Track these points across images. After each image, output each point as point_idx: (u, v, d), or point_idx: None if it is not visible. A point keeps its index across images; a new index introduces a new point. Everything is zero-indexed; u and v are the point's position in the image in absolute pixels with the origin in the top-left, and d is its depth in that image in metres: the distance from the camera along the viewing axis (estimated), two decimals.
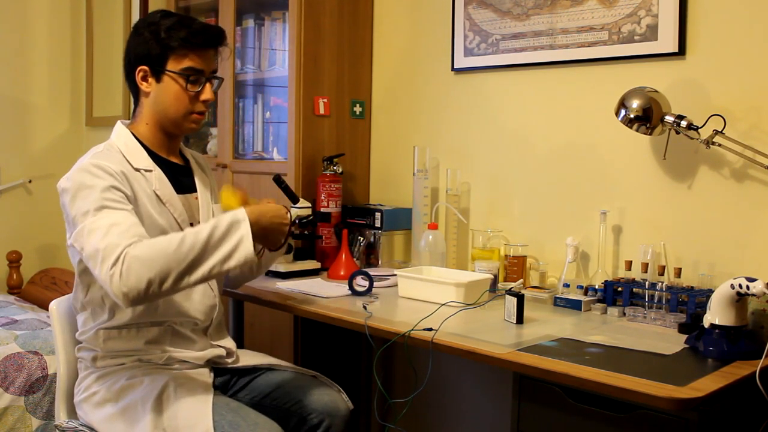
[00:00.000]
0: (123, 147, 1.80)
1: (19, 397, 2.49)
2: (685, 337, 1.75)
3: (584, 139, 2.28)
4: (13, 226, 3.61)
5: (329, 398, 1.89)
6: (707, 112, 1.96)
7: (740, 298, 1.62)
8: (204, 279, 1.62)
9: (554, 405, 1.58)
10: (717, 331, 1.63)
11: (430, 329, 1.76)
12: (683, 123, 1.96)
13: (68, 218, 1.69)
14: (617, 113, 2.02)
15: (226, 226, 1.62)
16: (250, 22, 2.94)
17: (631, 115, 1.99)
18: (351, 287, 2.22)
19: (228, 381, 1.92)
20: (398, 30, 2.78)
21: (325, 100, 2.69)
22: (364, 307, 2.03)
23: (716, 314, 1.64)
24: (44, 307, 3.12)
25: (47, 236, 3.72)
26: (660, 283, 1.98)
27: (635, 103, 1.98)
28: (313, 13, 2.65)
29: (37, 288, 3.41)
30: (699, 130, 1.96)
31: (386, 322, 1.88)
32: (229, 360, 1.92)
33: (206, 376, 1.82)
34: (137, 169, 1.77)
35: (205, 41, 1.80)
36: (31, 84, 3.65)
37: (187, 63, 1.78)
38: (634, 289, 2.01)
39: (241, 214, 1.65)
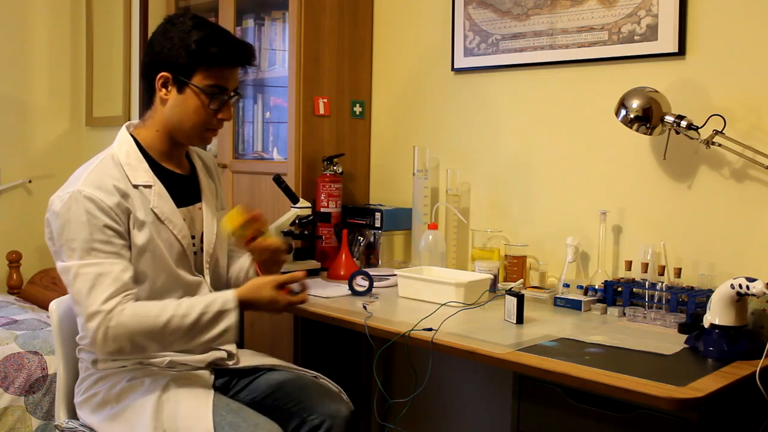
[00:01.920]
0: (124, 158, 1.74)
1: (19, 397, 2.49)
2: (685, 337, 1.75)
3: (584, 139, 2.28)
4: (13, 226, 3.61)
5: (330, 399, 1.88)
6: (707, 112, 1.96)
7: (740, 298, 1.62)
8: (179, 350, 1.75)
9: (554, 405, 1.58)
10: (717, 331, 1.63)
11: (430, 329, 1.76)
12: (683, 123, 1.96)
13: (53, 241, 1.69)
14: (617, 113, 2.02)
15: (214, 314, 1.67)
16: (250, 22, 2.94)
17: (631, 115, 1.99)
18: (351, 287, 2.22)
19: (229, 381, 1.92)
20: (398, 30, 2.78)
21: (325, 100, 2.69)
22: (364, 307, 2.03)
23: (716, 314, 1.64)
24: (44, 307, 3.12)
25: None
26: (660, 283, 1.98)
27: (635, 103, 1.98)
28: (313, 13, 2.65)
29: (37, 288, 3.41)
30: (699, 130, 1.96)
31: (386, 322, 1.88)
32: (230, 363, 1.91)
33: (207, 377, 1.82)
34: (136, 186, 1.72)
35: (236, 60, 1.76)
36: (31, 84, 3.65)
37: (213, 80, 1.73)
38: (634, 289, 2.01)
39: (232, 302, 1.69)
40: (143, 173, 1.75)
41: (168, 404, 1.67)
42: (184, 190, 1.84)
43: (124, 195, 1.69)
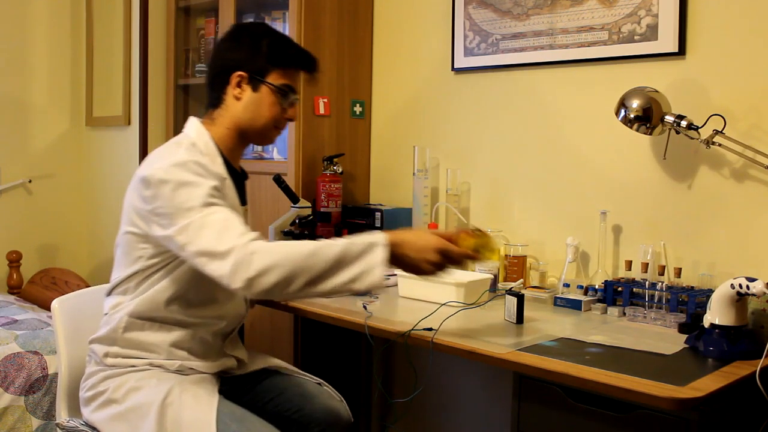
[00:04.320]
0: (203, 148, 1.78)
1: (19, 397, 2.49)
2: (685, 337, 1.75)
3: (584, 139, 2.28)
4: (13, 226, 3.61)
5: (332, 408, 1.88)
6: (707, 112, 1.96)
7: (740, 298, 1.62)
8: (327, 294, 1.59)
9: (554, 405, 1.58)
10: (717, 331, 1.63)
11: (430, 329, 1.76)
12: (683, 123, 1.96)
13: (156, 210, 1.63)
14: (617, 113, 2.02)
15: (363, 246, 1.56)
16: None
17: (631, 115, 1.99)
18: None
19: (232, 385, 1.90)
20: (398, 30, 2.78)
21: (325, 100, 2.69)
22: (364, 307, 2.03)
23: (716, 314, 1.64)
24: (44, 307, 3.12)
25: (47, 236, 3.72)
26: (660, 283, 1.98)
27: (635, 103, 1.98)
28: (313, 13, 2.65)
29: (37, 288, 3.41)
30: (699, 130, 1.96)
31: (386, 322, 1.88)
32: (239, 371, 1.90)
33: (212, 380, 1.80)
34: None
35: (306, 64, 1.86)
36: (31, 84, 3.65)
37: (286, 80, 1.82)
38: (634, 289, 2.01)
39: (382, 238, 1.58)
40: (219, 165, 1.78)
41: (172, 408, 1.66)
42: (241, 190, 1.89)
43: (216, 177, 1.71)
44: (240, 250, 1.52)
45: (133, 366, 1.76)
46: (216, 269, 1.54)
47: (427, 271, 1.63)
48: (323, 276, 1.55)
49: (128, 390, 1.72)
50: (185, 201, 1.60)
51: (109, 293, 1.81)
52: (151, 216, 1.65)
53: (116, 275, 1.80)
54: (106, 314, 1.80)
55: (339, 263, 1.55)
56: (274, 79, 1.81)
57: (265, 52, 1.80)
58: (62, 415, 1.91)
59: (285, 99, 1.83)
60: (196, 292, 1.76)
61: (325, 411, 1.87)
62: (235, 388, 1.90)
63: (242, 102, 1.81)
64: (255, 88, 1.80)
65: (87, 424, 1.79)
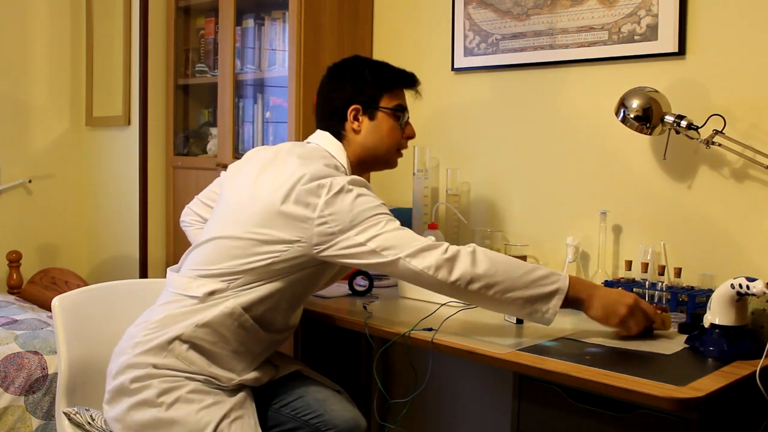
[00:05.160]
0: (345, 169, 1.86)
1: (19, 397, 2.49)
2: (685, 337, 1.75)
3: (584, 139, 2.28)
4: (13, 226, 3.61)
5: (350, 416, 1.87)
6: (707, 112, 1.96)
7: (740, 298, 1.62)
8: (502, 305, 1.69)
9: (554, 405, 1.58)
10: (717, 331, 1.63)
11: (430, 329, 1.76)
12: (683, 123, 1.96)
13: (339, 215, 1.67)
14: (617, 113, 2.02)
15: (547, 272, 1.67)
16: (250, 22, 2.94)
17: (631, 115, 1.99)
18: (351, 287, 2.22)
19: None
20: (398, 30, 2.78)
21: None
22: (364, 307, 2.03)
23: (716, 314, 1.64)
24: (44, 307, 3.12)
25: (47, 236, 3.72)
26: (660, 283, 1.98)
27: (635, 103, 1.98)
28: (313, 13, 2.65)
29: (37, 288, 3.41)
30: (699, 130, 1.96)
31: (386, 322, 1.88)
32: (275, 377, 1.90)
33: (251, 398, 1.80)
34: None
35: (408, 82, 1.96)
36: (31, 84, 3.65)
37: (397, 101, 1.92)
38: (634, 289, 2.01)
39: (564, 275, 1.70)
40: None
41: None
42: None
43: None
44: (457, 249, 1.65)
45: (188, 367, 1.71)
46: (432, 259, 1.64)
47: (619, 324, 1.70)
48: (517, 285, 1.65)
49: (177, 398, 1.68)
50: (369, 206, 1.69)
51: (202, 277, 1.76)
52: (315, 220, 1.68)
53: (221, 265, 1.74)
54: (194, 296, 1.74)
55: (527, 279, 1.65)
56: (386, 102, 1.91)
57: (370, 80, 1.90)
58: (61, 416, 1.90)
59: (400, 119, 1.93)
60: (301, 300, 1.83)
61: (344, 418, 1.86)
62: (254, 390, 1.87)
63: (362, 133, 1.90)
64: (372, 117, 1.90)
65: (93, 414, 1.79)
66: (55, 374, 2.50)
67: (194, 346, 1.71)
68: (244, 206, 1.77)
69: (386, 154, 1.94)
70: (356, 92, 1.89)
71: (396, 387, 2.77)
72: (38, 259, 3.68)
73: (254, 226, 1.72)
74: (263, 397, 1.88)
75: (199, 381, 1.71)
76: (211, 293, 1.73)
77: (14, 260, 3.51)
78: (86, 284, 2.73)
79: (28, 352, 2.57)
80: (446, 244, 1.68)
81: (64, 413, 1.86)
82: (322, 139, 1.91)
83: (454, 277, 1.64)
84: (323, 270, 1.80)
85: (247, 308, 1.73)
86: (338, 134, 1.91)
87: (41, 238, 3.71)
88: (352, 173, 1.88)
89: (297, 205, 1.69)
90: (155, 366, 1.70)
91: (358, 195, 1.69)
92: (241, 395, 1.76)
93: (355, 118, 1.89)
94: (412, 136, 1.98)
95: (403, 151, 2.02)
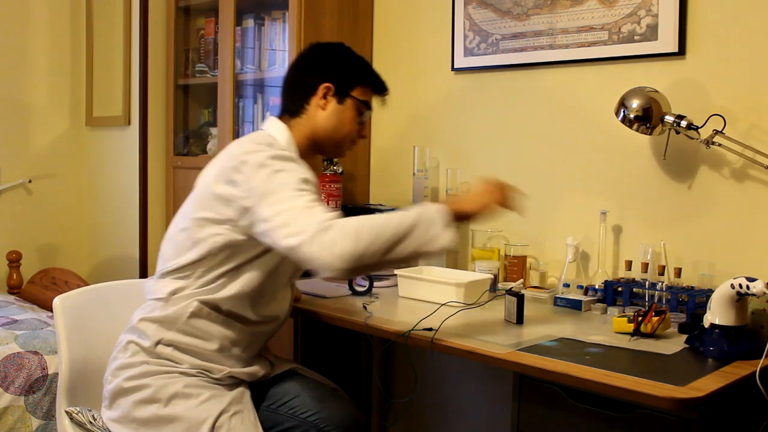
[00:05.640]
0: (285, 146, 1.81)
1: (19, 397, 2.49)
2: (685, 337, 1.75)
3: (584, 139, 2.28)
4: (13, 226, 3.61)
5: (347, 412, 1.87)
6: (707, 112, 1.96)
7: (740, 298, 1.62)
8: (401, 261, 1.63)
9: (554, 405, 1.58)
10: (717, 331, 1.63)
11: (430, 329, 1.76)
12: (683, 123, 1.96)
13: (248, 192, 1.64)
14: (617, 113, 2.02)
15: (434, 210, 1.62)
16: (250, 22, 2.94)
17: (631, 115, 1.99)
18: (351, 287, 2.22)
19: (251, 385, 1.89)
20: (398, 30, 2.78)
21: None
22: (364, 307, 2.03)
23: (716, 314, 1.64)
24: (44, 307, 3.12)
25: (47, 236, 3.72)
26: (660, 283, 1.98)
27: (635, 103, 1.98)
28: (313, 13, 2.65)
29: (37, 288, 3.41)
30: (699, 130, 1.96)
31: (386, 322, 1.88)
32: (270, 374, 1.91)
33: (249, 394, 1.81)
34: None
35: (382, 88, 1.96)
36: (31, 84, 3.65)
37: (367, 97, 1.92)
38: (634, 289, 2.01)
39: (438, 205, 1.66)
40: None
41: (222, 430, 1.68)
42: None
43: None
44: (327, 228, 1.53)
45: (180, 364, 1.73)
46: (301, 249, 1.54)
47: (491, 208, 1.71)
48: (404, 241, 1.58)
49: (174, 394, 1.70)
50: (277, 182, 1.62)
51: (163, 277, 1.78)
52: (238, 199, 1.66)
53: (176, 260, 1.76)
54: (160, 298, 1.76)
55: (417, 227, 1.59)
56: (359, 94, 1.90)
57: (353, 68, 1.90)
58: (62, 415, 1.90)
59: (362, 115, 1.92)
60: (266, 288, 1.78)
61: (342, 416, 1.86)
62: (252, 389, 1.88)
63: (326, 112, 1.87)
64: (340, 101, 1.88)
65: (97, 422, 1.79)
66: (55, 374, 2.50)
67: (178, 347, 1.75)
68: (188, 198, 1.82)
69: (342, 140, 1.91)
70: (335, 72, 1.87)
71: (396, 387, 2.77)
72: (38, 259, 3.68)
73: (195, 212, 1.75)
74: (259, 399, 1.88)
75: (193, 375, 1.73)
76: (174, 292, 1.75)
77: (14, 260, 3.51)
78: (86, 284, 2.73)
79: (28, 352, 2.57)
80: (337, 222, 1.56)
81: (66, 412, 1.87)
82: (268, 123, 1.90)
83: (345, 261, 1.52)
84: (278, 254, 1.73)
85: (213, 305, 1.75)
86: (299, 108, 1.87)
87: (41, 238, 3.70)
88: (302, 154, 1.84)
89: (225, 184, 1.69)
90: (148, 363, 1.74)
91: (277, 170, 1.64)
92: (239, 390, 1.78)
93: (325, 96, 1.86)
94: (364, 137, 1.98)
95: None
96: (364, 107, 1.91)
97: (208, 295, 1.74)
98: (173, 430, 1.68)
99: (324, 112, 1.87)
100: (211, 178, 1.74)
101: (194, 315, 1.74)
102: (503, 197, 1.74)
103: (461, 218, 1.68)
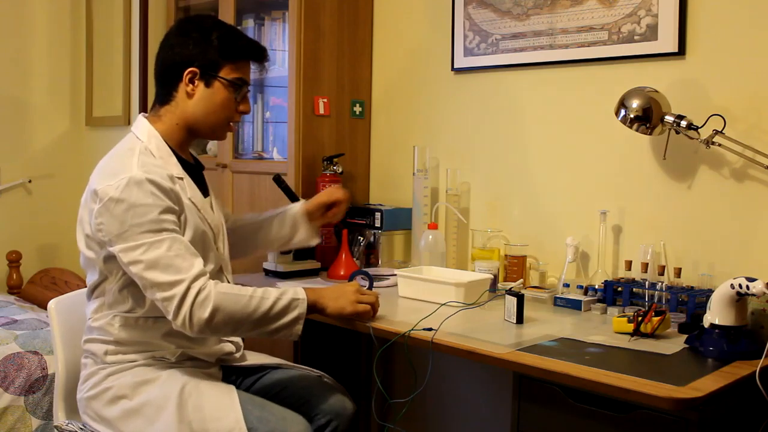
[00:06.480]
0: (156, 151, 1.76)
1: (19, 397, 2.49)
2: (685, 337, 1.75)
3: (584, 139, 2.28)
4: (13, 226, 3.61)
5: (336, 398, 1.89)
6: (707, 112, 1.96)
7: (740, 298, 1.62)
8: (251, 336, 1.73)
9: (554, 405, 1.58)
10: (717, 331, 1.63)
11: (430, 329, 1.76)
12: (683, 123, 1.96)
13: (108, 229, 1.64)
14: (617, 113, 2.02)
15: (289, 301, 1.71)
16: (250, 22, 2.94)
17: (631, 115, 1.99)
18: None
19: (234, 381, 1.91)
20: (398, 30, 2.78)
21: (325, 100, 2.69)
22: None
23: (716, 314, 1.64)
24: (44, 307, 3.12)
25: (47, 236, 3.72)
26: (660, 283, 1.98)
27: (635, 103, 1.98)
28: (313, 13, 2.65)
29: (37, 288, 3.41)
30: (699, 130, 1.96)
31: (386, 322, 1.88)
32: (237, 355, 1.92)
33: (217, 375, 1.83)
34: (170, 177, 1.73)
35: (257, 54, 1.85)
36: (31, 84, 3.66)
37: (238, 74, 1.81)
38: (634, 289, 2.01)
39: (302, 292, 1.74)
40: (174, 166, 1.78)
41: (191, 398, 1.68)
42: (200, 182, 1.88)
43: (173, 182, 1.71)
44: (197, 287, 1.62)
45: (134, 361, 1.75)
46: (166, 302, 1.62)
47: (351, 311, 1.82)
48: (255, 323, 1.68)
49: (137, 384, 1.72)
50: (137, 222, 1.62)
51: (89, 298, 1.81)
52: (96, 231, 1.67)
53: (89, 280, 1.80)
54: (89, 318, 1.80)
55: (269, 314, 1.68)
56: (227, 73, 1.79)
57: (216, 46, 1.77)
58: (60, 416, 1.90)
59: (238, 92, 1.81)
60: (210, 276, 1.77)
61: (330, 400, 1.88)
62: (237, 385, 1.90)
63: (194, 98, 1.79)
64: (208, 84, 1.78)
65: (86, 427, 1.79)
66: (55, 374, 2.49)
67: (125, 351, 1.76)
68: None
69: (214, 125, 1.82)
70: (198, 54, 1.77)
71: (396, 387, 2.77)
72: (38, 259, 3.68)
73: (84, 228, 1.75)
74: (250, 392, 1.89)
75: (150, 366, 1.75)
76: (95, 311, 1.78)
77: (14, 260, 3.51)
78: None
79: (28, 352, 2.57)
80: (192, 291, 1.62)
81: (56, 427, 1.87)
82: (135, 123, 1.84)
83: (195, 330, 1.63)
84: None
85: (132, 315, 1.75)
86: (167, 96, 1.81)
87: (41, 238, 3.71)
88: (178, 141, 1.81)
89: (83, 209, 1.73)
90: (103, 369, 1.76)
91: (129, 207, 1.62)
92: (205, 370, 1.80)
93: (191, 81, 1.77)
94: (246, 112, 1.86)
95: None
96: (236, 85, 1.80)
97: (121, 309, 1.75)
98: (146, 416, 1.69)
99: (192, 99, 1.79)
100: (84, 198, 1.75)
101: (122, 326, 1.75)
102: (362, 308, 1.83)
103: (317, 311, 1.79)
